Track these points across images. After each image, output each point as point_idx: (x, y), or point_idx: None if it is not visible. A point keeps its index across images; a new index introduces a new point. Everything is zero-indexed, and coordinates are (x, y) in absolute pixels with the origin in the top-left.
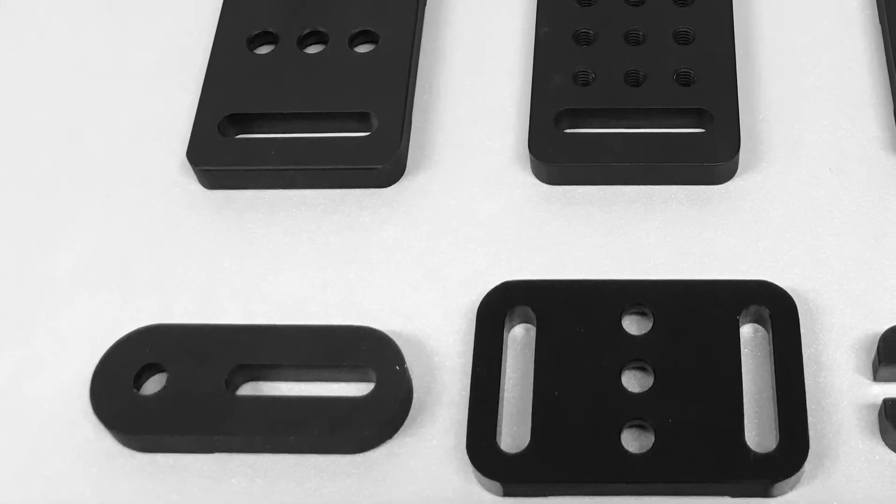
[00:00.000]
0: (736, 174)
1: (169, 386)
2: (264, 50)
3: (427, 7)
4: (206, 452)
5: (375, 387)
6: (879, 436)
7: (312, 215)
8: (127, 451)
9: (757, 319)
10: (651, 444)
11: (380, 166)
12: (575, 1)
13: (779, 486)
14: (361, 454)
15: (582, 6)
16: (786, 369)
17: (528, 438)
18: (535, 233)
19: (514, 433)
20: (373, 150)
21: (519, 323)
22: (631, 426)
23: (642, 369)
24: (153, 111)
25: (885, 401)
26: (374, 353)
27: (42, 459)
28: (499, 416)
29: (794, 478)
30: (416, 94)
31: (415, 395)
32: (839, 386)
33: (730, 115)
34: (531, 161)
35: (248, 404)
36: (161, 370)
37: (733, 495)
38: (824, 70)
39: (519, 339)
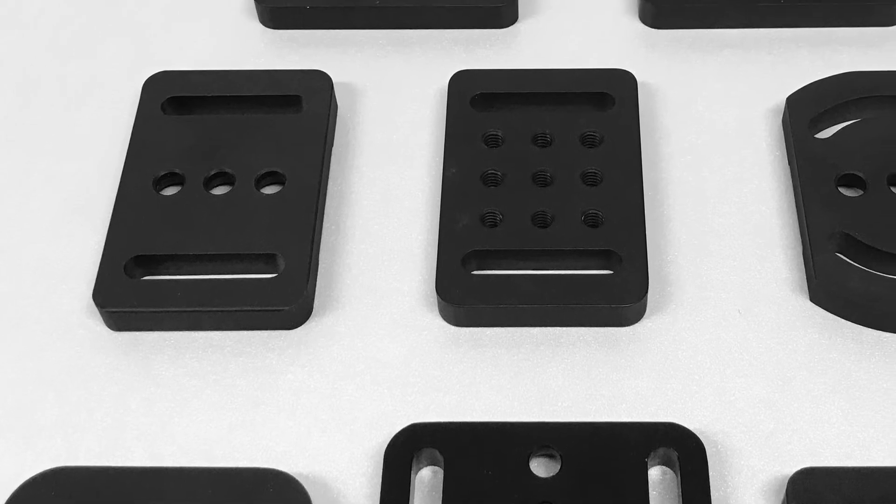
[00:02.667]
0: (644, 316)
1: None
2: (170, 191)
3: (334, 148)
4: None
5: None
6: None
7: (219, 357)
8: None
9: (665, 462)
10: None
11: (286, 308)
12: (482, 142)
13: None
14: None
15: (490, 147)
16: None
17: None
18: (443, 374)
19: None
20: (279, 291)
21: (426, 465)
22: None
23: None
24: (59, 252)
25: None
26: (281, 496)
27: None
28: None
29: None
30: (323, 235)
31: None
32: None
33: (638, 256)
34: (438, 303)
35: None
36: None
37: None
38: (733, 211)
39: (426, 481)
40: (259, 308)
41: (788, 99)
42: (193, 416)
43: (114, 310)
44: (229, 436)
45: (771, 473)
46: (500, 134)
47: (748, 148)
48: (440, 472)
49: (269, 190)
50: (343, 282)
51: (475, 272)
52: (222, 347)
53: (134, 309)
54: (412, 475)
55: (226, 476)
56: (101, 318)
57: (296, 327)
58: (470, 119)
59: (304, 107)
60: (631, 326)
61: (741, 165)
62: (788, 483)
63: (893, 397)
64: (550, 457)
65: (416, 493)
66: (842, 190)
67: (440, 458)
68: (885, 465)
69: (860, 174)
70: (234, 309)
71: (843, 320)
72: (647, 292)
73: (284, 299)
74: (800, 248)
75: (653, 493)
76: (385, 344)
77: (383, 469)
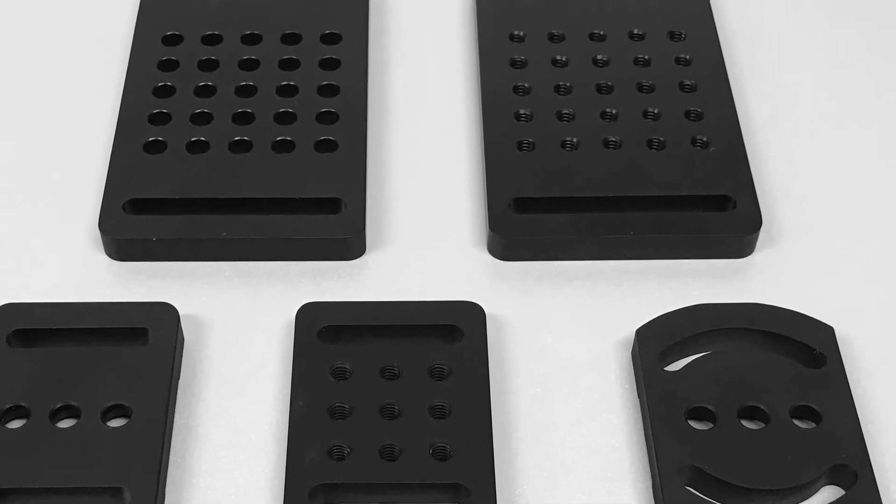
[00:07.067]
0: None
1: None
2: (15, 424)
3: (181, 380)
4: None
5: None
6: None
7: None
8: None
9: None
10: None
11: None
12: (330, 375)
13: None
14: None
15: (337, 380)
16: None
17: None
18: None
19: None
20: None
21: None
22: None
23: None
24: None
25: None
26: None
27: None
28: None
29: None
30: (169, 468)
31: None
32: None
33: (486, 490)
34: None
35: None
36: None
37: None
38: (583, 444)
39: None
40: None
41: (638, 331)
42: None
43: None
44: None
45: None
46: (347, 367)
47: (598, 380)
48: None
49: (116, 423)
50: None
51: None
52: None
53: None
54: None
55: None
56: None
57: None
58: (317, 352)
59: (151, 339)
60: None
61: (590, 398)
62: None
63: None
64: None
65: None
66: (692, 423)
67: None
68: None
69: (710, 407)
70: None
71: None
72: None
73: None
74: (650, 482)
75: None
76: None
77: None
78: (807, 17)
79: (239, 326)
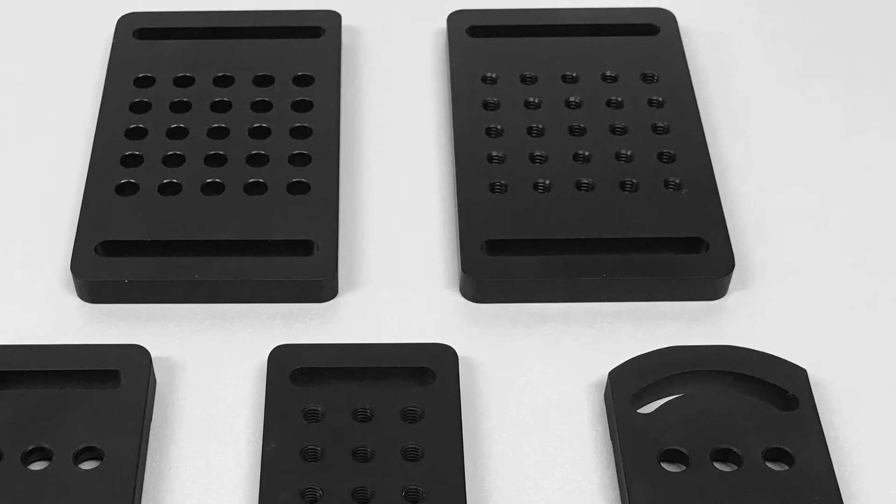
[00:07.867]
0: None
1: None
2: None
3: (153, 423)
4: None
5: None
6: None
7: None
8: None
9: None
10: None
11: None
12: (302, 417)
13: None
14: None
15: (309, 422)
16: None
17: None
18: None
19: None
20: None
21: None
22: None
23: None
24: None
25: None
26: None
27: None
28: None
29: None
30: None
31: None
32: None
33: None
34: None
35: None
36: None
37: None
38: (555, 487)
39: None
40: None
41: (610, 374)
42: None
43: None
44: None
45: None
46: (320, 409)
47: (570, 423)
48: None
49: (88, 465)
50: None
51: None
52: None
53: None
54: None
55: None
56: None
57: None
58: (290, 394)
59: (123, 381)
60: None
61: (563, 441)
62: None
63: None
64: None
65: None
66: (664, 465)
67: None
68: None
69: (683, 449)
70: None
71: None
72: None
73: None
74: None
75: None
76: None
77: None
78: (779, 58)
79: (211, 369)
